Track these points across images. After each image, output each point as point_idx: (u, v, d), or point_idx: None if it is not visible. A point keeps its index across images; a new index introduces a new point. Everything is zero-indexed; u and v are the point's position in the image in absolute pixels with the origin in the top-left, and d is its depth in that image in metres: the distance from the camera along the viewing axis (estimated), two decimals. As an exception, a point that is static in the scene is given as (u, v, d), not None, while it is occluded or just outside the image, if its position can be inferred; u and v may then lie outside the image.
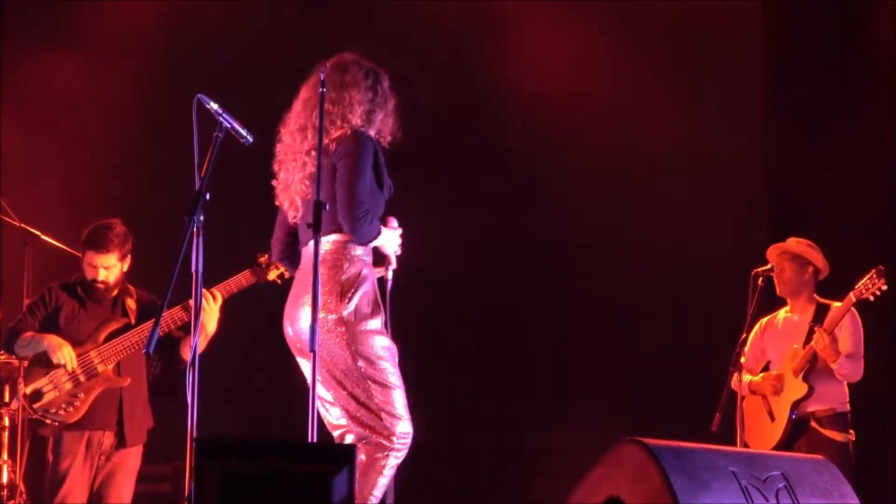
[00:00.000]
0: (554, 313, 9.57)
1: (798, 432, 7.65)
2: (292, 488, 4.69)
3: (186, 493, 4.71)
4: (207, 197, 5.07)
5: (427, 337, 9.03)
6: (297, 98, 5.94)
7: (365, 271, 5.73)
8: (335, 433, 5.81)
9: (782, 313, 8.04)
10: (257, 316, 7.60)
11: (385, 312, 5.77)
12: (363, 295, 5.68)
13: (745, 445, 7.69)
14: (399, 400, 5.69)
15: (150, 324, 7.11)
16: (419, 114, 9.20)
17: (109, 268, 7.27)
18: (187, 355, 7.14)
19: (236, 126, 5.25)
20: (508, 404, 9.32)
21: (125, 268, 7.33)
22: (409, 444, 5.70)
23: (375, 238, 5.75)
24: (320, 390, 5.75)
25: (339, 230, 5.69)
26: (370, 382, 5.63)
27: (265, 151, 5.87)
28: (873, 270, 7.46)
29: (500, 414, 9.29)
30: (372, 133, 5.86)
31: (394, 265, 5.93)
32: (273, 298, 7.21)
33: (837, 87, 9.45)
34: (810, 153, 9.39)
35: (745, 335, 7.62)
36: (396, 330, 5.78)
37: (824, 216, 9.08)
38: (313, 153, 5.70)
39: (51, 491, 7.14)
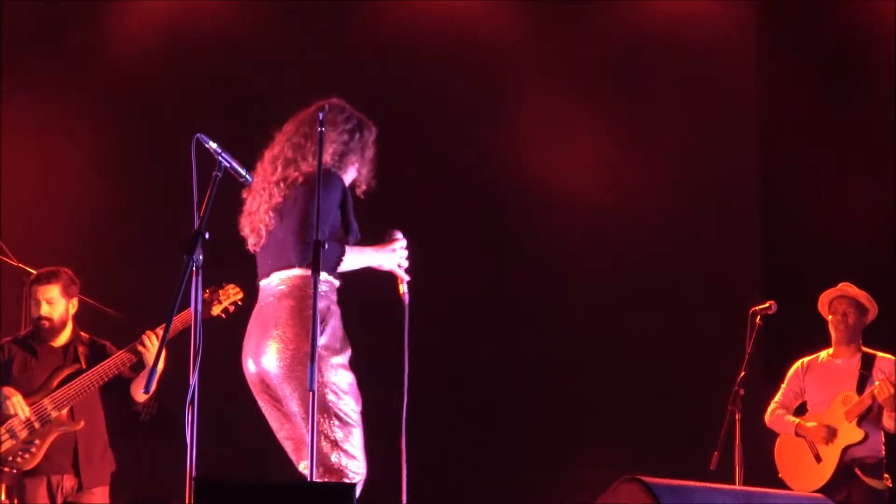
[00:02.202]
0: (552, 346, 9.54)
1: (844, 477, 7.79)
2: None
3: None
4: (207, 236, 5.06)
5: (422, 372, 9.02)
6: (280, 131, 6.00)
7: (332, 307, 5.72)
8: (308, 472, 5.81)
9: (824, 355, 8.17)
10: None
11: (405, 330, 5.72)
12: (332, 329, 5.67)
13: (783, 483, 7.88)
14: (356, 438, 5.68)
15: (101, 366, 7.14)
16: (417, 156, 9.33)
17: (52, 301, 7.29)
18: (138, 396, 7.19)
19: (235, 165, 5.24)
20: (505, 442, 9.29)
21: (72, 310, 7.37)
22: (361, 484, 5.66)
23: (336, 264, 5.72)
24: (292, 431, 5.80)
25: (299, 264, 5.69)
26: (333, 417, 5.60)
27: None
28: None
29: (497, 451, 9.26)
30: (344, 176, 5.89)
31: (405, 278, 5.90)
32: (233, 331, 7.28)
33: (836, 100, 9.49)
34: (807, 180, 9.44)
35: (744, 373, 7.63)
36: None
37: (821, 237, 9.11)
38: (282, 184, 5.79)
39: (22, 539, 7.17)
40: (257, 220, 5.88)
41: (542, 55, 9.78)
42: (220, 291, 7.28)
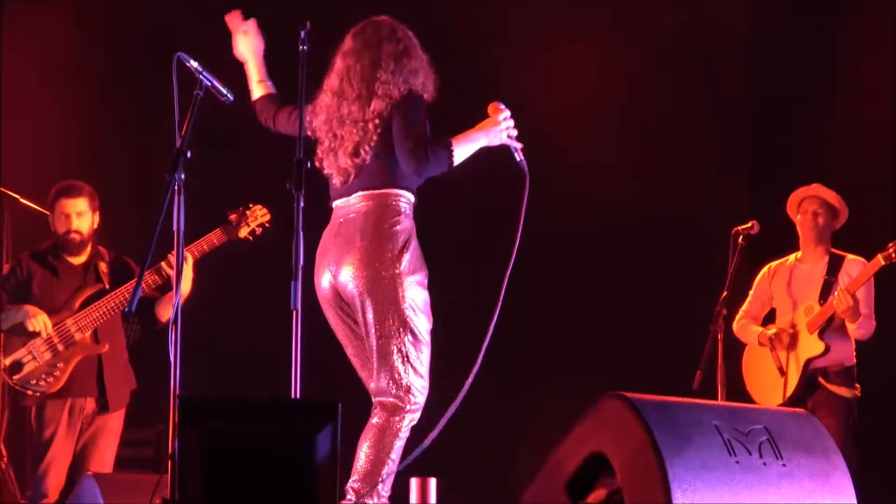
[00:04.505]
0: (525, 274, 9.51)
1: (808, 388, 7.72)
2: (276, 446, 4.71)
3: (170, 452, 4.70)
4: (189, 155, 5.06)
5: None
6: (338, 63, 5.88)
7: (409, 225, 5.70)
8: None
9: (792, 259, 8.05)
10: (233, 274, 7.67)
11: (523, 203, 5.68)
12: (413, 249, 5.67)
13: (749, 397, 7.84)
14: (425, 356, 5.69)
15: (125, 287, 7.12)
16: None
17: (81, 214, 7.27)
18: (162, 315, 7.21)
19: (217, 84, 5.26)
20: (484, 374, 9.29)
21: (95, 224, 7.32)
22: (422, 405, 5.68)
23: (451, 165, 5.66)
24: (360, 349, 5.81)
25: (384, 184, 5.68)
26: (408, 332, 5.61)
27: (234, 107, 5.74)
28: None
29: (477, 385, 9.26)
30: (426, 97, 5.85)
31: (519, 146, 5.77)
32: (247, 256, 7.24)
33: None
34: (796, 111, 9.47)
35: (726, 293, 7.62)
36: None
37: (810, 164, 9.12)
38: (377, 120, 5.70)
39: (35, 459, 7.19)
40: (346, 160, 5.77)
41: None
42: (248, 213, 7.30)
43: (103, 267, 7.33)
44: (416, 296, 5.66)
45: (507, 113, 5.78)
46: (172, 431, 4.71)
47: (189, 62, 5.20)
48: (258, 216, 7.30)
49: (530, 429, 8.99)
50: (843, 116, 9.31)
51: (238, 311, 8.98)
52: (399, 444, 5.65)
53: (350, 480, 5.59)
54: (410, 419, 5.67)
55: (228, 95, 5.34)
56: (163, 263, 7.04)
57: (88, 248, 7.35)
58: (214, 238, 7.17)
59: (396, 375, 5.63)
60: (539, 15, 9.74)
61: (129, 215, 8.03)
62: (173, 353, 4.93)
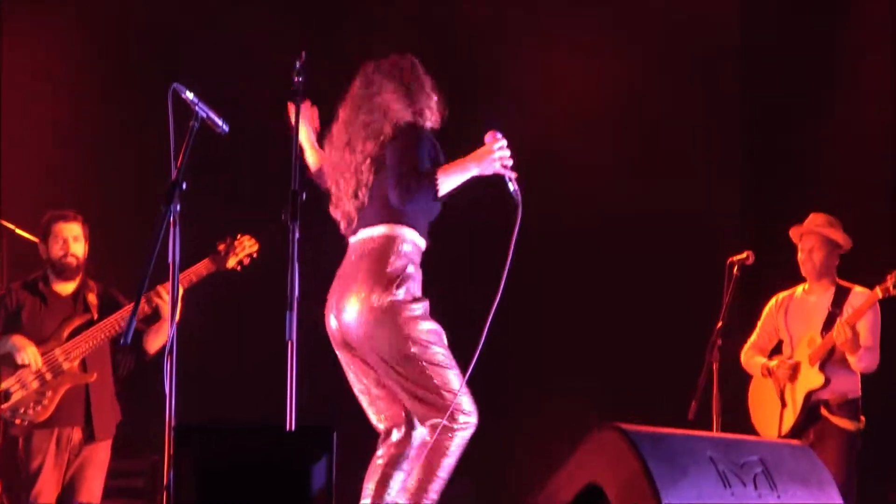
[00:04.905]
0: (525, 274, 9.49)
1: (809, 420, 7.68)
2: (271, 475, 4.70)
3: (165, 483, 4.70)
4: (184, 186, 5.07)
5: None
6: (340, 114, 6.00)
7: (410, 268, 5.73)
8: (382, 426, 5.91)
9: (800, 290, 8.00)
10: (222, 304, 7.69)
11: (515, 231, 5.65)
12: (407, 289, 5.69)
13: (753, 428, 7.82)
14: (456, 379, 5.71)
15: (113, 317, 7.12)
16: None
17: (77, 239, 7.27)
18: (150, 347, 7.20)
19: (212, 115, 5.27)
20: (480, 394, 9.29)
21: (86, 250, 7.32)
22: (473, 423, 5.74)
23: (436, 195, 5.64)
24: (370, 386, 5.89)
25: (385, 221, 5.73)
26: (425, 364, 5.66)
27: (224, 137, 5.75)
28: None
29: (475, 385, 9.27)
30: (427, 125, 5.88)
31: (513, 176, 5.71)
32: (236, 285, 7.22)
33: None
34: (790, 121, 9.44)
35: (721, 323, 7.58)
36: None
37: (801, 181, 9.10)
38: (368, 161, 5.79)
39: (25, 490, 7.14)
40: (349, 205, 5.89)
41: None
42: (236, 243, 7.29)
43: (91, 298, 7.32)
44: (418, 329, 5.68)
45: (503, 142, 5.73)
46: (168, 463, 4.71)
47: (185, 93, 5.20)
48: (246, 246, 7.30)
49: (529, 429, 9.00)
50: (843, 116, 9.32)
51: (231, 340, 8.98)
52: (448, 462, 5.71)
53: (398, 496, 5.69)
54: (461, 437, 5.71)
55: (224, 126, 5.34)
56: (151, 294, 7.04)
57: (78, 278, 7.35)
58: (203, 268, 7.17)
59: (434, 403, 5.68)
60: (539, 15, 9.75)
61: (128, 214, 8.02)
62: (168, 384, 4.93)
